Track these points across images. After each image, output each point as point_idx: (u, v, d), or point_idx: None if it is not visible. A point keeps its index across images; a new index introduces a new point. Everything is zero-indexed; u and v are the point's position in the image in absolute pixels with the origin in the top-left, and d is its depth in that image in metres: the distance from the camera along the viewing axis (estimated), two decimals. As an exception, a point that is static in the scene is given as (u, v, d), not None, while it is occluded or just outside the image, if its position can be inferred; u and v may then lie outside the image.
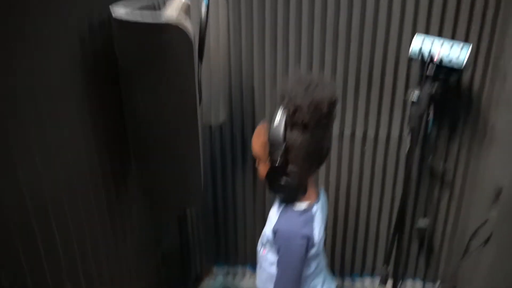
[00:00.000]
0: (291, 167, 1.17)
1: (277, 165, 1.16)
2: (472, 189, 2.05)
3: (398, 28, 1.87)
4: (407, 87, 1.97)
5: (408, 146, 1.90)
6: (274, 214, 1.31)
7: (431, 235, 2.20)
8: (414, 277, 2.31)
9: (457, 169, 2.06)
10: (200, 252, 2.36)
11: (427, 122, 1.91)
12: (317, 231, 1.26)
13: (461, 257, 1.99)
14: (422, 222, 2.17)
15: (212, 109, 1.82)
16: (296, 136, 1.15)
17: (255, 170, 2.24)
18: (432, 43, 1.66)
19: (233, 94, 2.02)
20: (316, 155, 1.20)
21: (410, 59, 1.81)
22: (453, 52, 1.62)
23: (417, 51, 1.69)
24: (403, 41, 1.87)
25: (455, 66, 1.60)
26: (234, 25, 1.95)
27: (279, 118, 1.16)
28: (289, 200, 1.26)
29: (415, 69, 1.91)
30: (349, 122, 2.07)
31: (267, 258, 1.30)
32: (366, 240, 2.28)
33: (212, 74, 1.74)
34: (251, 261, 2.39)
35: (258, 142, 1.25)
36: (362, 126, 2.07)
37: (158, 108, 1.10)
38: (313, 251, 1.24)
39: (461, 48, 1.62)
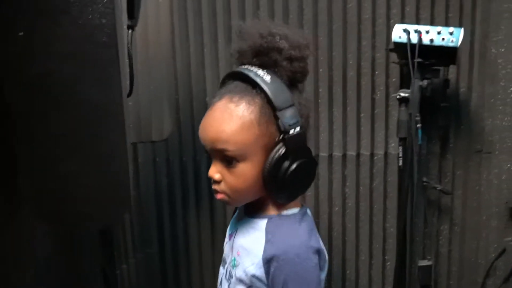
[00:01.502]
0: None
1: (293, 139, 0.77)
2: (477, 211, 1.72)
3: (370, 19, 1.63)
4: (387, 93, 1.69)
5: (398, 164, 1.57)
6: (253, 241, 0.83)
7: (436, 275, 1.79)
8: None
9: (454, 189, 1.74)
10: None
11: (416, 131, 1.60)
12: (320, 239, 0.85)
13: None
14: (423, 262, 1.77)
15: (153, 119, 1.41)
16: (297, 95, 0.83)
17: (212, 203, 1.81)
18: (416, 30, 1.40)
19: (180, 100, 1.62)
20: (309, 118, 0.86)
21: (390, 50, 1.54)
22: (444, 32, 1.36)
23: (399, 39, 1.42)
24: (377, 34, 1.64)
25: (450, 45, 1.34)
26: (179, 9, 1.64)
27: (267, 74, 0.79)
28: (296, 196, 0.84)
29: (396, 69, 1.65)
30: (324, 142, 1.73)
31: None
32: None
33: (151, 72, 1.36)
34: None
35: (234, 128, 0.77)
36: (341, 146, 1.74)
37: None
38: (324, 273, 0.82)
39: (452, 31, 1.37)
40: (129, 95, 1.08)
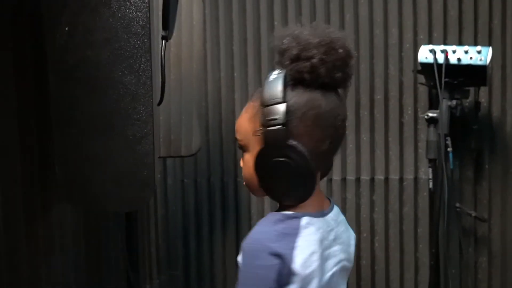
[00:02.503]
0: (291, 142, 0.78)
1: (271, 135, 0.77)
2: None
3: (397, 44, 1.66)
4: (416, 116, 1.68)
5: (429, 187, 1.53)
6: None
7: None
8: None
9: (491, 216, 1.65)
10: None
11: (446, 154, 1.56)
12: (305, 255, 0.79)
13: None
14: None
15: (183, 134, 1.46)
16: (300, 94, 0.80)
17: (238, 226, 1.80)
18: (442, 50, 1.42)
19: (210, 120, 1.68)
20: (328, 125, 0.82)
21: (418, 72, 1.55)
22: (471, 51, 1.36)
23: (425, 60, 1.44)
24: (405, 57, 1.66)
25: (478, 63, 1.33)
26: (212, 27, 1.76)
27: (276, 74, 0.81)
28: (288, 198, 0.83)
29: (424, 92, 1.65)
30: (351, 166, 1.72)
31: None
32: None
33: (183, 88, 1.42)
34: None
35: (244, 118, 0.85)
36: (369, 170, 1.72)
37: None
38: (293, 286, 0.77)
39: (479, 50, 1.37)
40: (159, 103, 1.13)
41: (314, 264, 0.79)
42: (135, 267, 1.52)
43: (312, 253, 0.80)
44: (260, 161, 0.79)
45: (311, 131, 0.79)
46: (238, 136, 0.85)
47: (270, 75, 0.80)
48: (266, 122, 0.77)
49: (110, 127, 0.73)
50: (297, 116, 0.78)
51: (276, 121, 0.76)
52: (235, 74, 1.79)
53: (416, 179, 1.71)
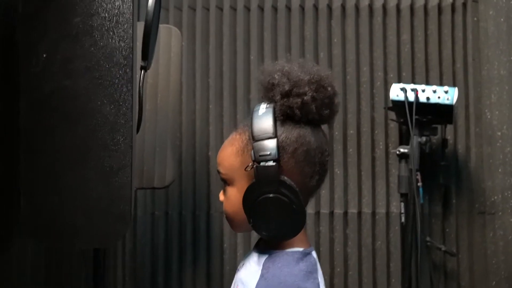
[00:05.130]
0: (284, 178, 0.76)
1: (263, 171, 0.75)
2: (485, 276, 1.65)
3: (369, 82, 1.72)
4: (387, 151, 1.73)
5: (401, 221, 1.55)
6: (250, 274, 0.82)
7: None
8: None
9: (459, 251, 1.68)
10: None
11: (417, 189, 1.60)
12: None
13: None
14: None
15: (156, 165, 1.42)
16: (290, 129, 0.80)
17: (209, 262, 1.75)
18: (413, 89, 1.48)
19: (183, 153, 1.66)
20: (316, 161, 0.81)
21: (389, 109, 1.61)
22: (439, 91, 1.43)
23: (397, 98, 1.49)
24: (376, 94, 1.72)
25: (446, 102, 1.40)
26: (188, 60, 1.77)
27: (265, 108, 0.80)
28: (280, 235, 0.79)
29: (395, 128, 1.71)
30: (325, 199, 1.73)
31: None
32: None
33: (158, 119, 1.41)
34: None
35: (230, 151, 0.82)
36: (342, 204, 1.73)
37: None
38: None
39: (447, 90, 1.44)
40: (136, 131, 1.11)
41: None
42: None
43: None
44: (250, 197, 0.76)
45: (301, 167, 0.78)
46: (221, 170, 0.82)
47: (258, 108, 0.79)
48: (258, 157, 0.75)
49: (85, 158, 0.70)
50: (288, 152, 0.78)
51: (268, 156, 0.74)
52: (210, 107, 1.80)
53: (387, 214, 1.73)
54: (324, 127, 0.85)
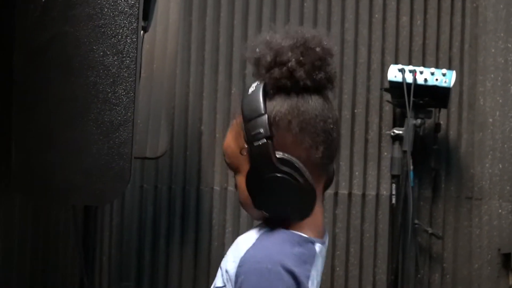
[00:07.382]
0: (281, 155, 0.72)
1: (257, 150, 0.71)
2: (468, 259, 1.69)
3: (366, 63, 1.72)
4: (380, 133, 1.73)
5: (391, 202, 1.57)
6: (246, 239, 0.78)
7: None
8: None
9: (445, 234, 1.71)
10: None
11: (407, 174, 1.61)
12: (314, 282, 0.75)
13: None
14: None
15: (149, 135, 1.39)
16: (282, 102, 0.74)
17: (197, 238, 1.74)
18: (411, 70, 1.48)
19: (175, 127, 1.63)
20: (318, 131, 0.75)
21: (385, 90, 1.60)
22: (437, 73, 1.43)
23: (395, 79, 1.49)
24: (372, 76, 1.71)
25: (443, 85, 1.40)
26: (184, 32, 1.72)
27: (254, 86, 0.75)
28: (286, 216, 0.75)
29: (389, 110, 1.71)
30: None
31: None
32: None
33: (153, 87, 1.37)
34: None
35: (230, 138, 0.78)
36: (333, 184, 1.73)
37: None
38: None
39: (445, 72, 1.45)
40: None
41: None
42: (91, 276, 1.41)
43: (317, 284, 0.76)
44: (251, 181, 0.72)
45: (301, 139, 0.73)
46: (226, 159, 0.78)
47: (248, 89, 0.75)
48: (251, 138, 0.71)
49: (84, 112, 0.66)
50: (282, 127, 0.73)
51: (260, 135, 0.70)
52: (204, 81, 1.76)
53: (377, 196, 1.74)
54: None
